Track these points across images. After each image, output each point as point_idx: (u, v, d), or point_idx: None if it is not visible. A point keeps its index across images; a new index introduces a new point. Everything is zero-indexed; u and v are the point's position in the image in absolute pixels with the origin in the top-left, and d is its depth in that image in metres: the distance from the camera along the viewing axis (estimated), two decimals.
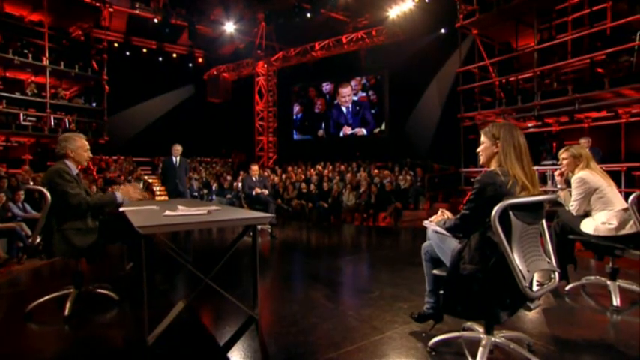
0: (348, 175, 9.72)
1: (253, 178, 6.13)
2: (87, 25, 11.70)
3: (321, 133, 15.08)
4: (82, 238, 2.59)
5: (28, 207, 5.86)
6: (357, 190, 8.87)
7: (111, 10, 12.30)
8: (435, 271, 1.99)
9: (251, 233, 2.53)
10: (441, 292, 1.91)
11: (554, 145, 8.68)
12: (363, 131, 14.07)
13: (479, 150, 1.91)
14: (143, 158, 14.26)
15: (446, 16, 10.90)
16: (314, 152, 14.18)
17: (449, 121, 10.47)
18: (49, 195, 2.51)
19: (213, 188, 10.72)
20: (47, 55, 10.01)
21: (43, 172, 8.42)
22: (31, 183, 7.25)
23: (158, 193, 11.33)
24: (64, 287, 2.81)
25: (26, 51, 9.89)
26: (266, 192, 5.95)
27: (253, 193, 5.96)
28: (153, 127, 15.96)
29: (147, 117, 16.04)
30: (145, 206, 3.09)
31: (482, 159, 1.90)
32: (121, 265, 3.85)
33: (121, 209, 2.92)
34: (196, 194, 10.13)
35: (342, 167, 11.26)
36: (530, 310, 1.63)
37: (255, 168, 6.27)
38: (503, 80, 8.59)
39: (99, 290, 2.92)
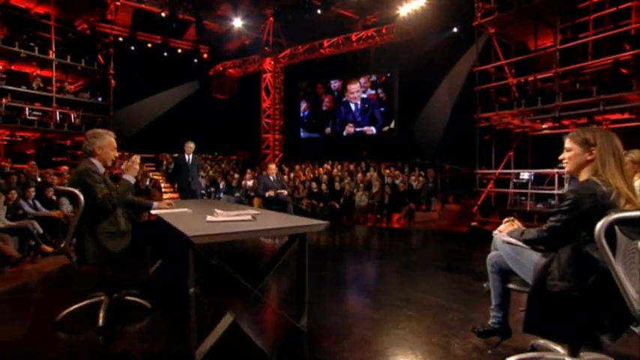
0: (359, 175, 9.57)
1: (271, 178, 5.96)
2: (93, 19, 11.44)
3: (328, 130, 14.89)
4: (114, 243, 2.43)
5: (38, 204, 5.68)
6: (369, 190, 8.73)
7: (117, 3, 12.05)
8: (511, 286, 1.85)
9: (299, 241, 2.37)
10: (521, 309, 1.77)
11: None
12: (372, 129, 13.86)
13: (564, 157, 1.76)
14: (147, 154, 14.01)
15: (457, 14, 10.73)
16: (321, 150, 13.97)
17: (460, 121, 10.32)
18: (81, 196, 2.34)
19: (221, 186, 10.55)
20: (53, 48, 9.77)
21: (48, 168, 8.29)
22: (39, 179, 7.07)
23: (164, 190, 11.13)
24: (94, 294, 2.64)
25: (32, 44, 9.63)
26: (285, 192, 5.79)
27: (267, 194, 5.75)
28: (157, 123, 15.70)
29: (151, 113, 15.76)
30: (178, 209, 2.92)
31: (568, 167, 1.74)
32: (143, 267, 3.68)
33: (153, 212, 2.77)
34: (204, 192, 9.94)
35: (351, 166, 11.09)
36: (635, 333, 1.49)
37: (272, 167, 6.11)
38: (522, 80, 8.43)
39: (129, 297, 2.76)
